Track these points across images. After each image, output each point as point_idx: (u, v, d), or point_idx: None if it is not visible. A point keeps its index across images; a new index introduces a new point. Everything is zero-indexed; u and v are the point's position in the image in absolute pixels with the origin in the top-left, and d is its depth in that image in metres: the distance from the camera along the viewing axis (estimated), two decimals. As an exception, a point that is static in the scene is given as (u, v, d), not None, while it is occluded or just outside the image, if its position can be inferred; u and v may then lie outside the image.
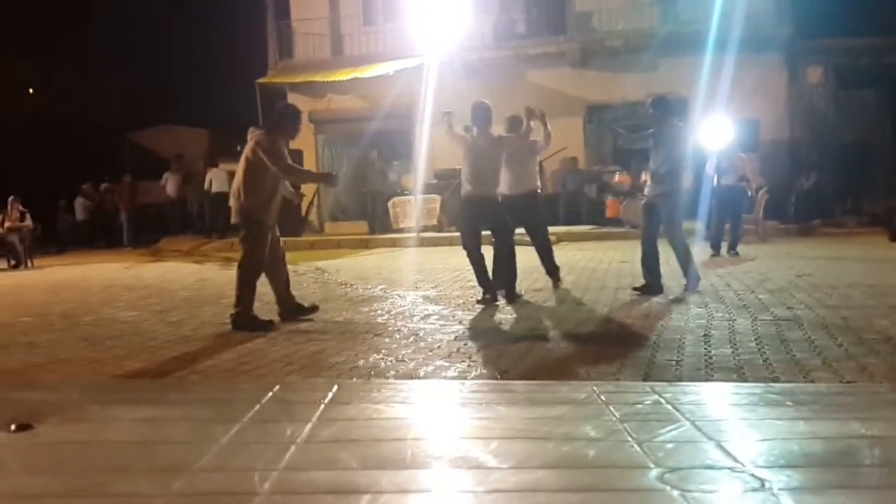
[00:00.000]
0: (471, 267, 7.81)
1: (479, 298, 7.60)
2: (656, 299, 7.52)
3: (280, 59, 20.43)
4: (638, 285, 7.95)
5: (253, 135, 6.97)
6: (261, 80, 18.84)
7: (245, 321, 6.58)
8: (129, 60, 24.98)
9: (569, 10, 18.82)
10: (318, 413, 3.17)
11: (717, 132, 9.36)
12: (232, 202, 6.92)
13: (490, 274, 7.82)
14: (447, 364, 4.94)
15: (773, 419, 2.96)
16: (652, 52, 17.83)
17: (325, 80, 18.81)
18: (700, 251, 9.68)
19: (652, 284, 7.83)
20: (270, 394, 3.47)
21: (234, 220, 6.92)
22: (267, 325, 6.61)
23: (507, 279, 7.77)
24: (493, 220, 7.85)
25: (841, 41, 18.04)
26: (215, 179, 18.62)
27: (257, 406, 3.29)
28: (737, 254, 11.64)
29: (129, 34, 24.88)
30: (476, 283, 7.91)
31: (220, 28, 23.83)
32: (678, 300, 7.41)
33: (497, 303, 7.50)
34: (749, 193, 12.40)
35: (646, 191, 8.22)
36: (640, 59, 18.02)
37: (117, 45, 24.74)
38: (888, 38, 17.76)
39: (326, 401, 3.35)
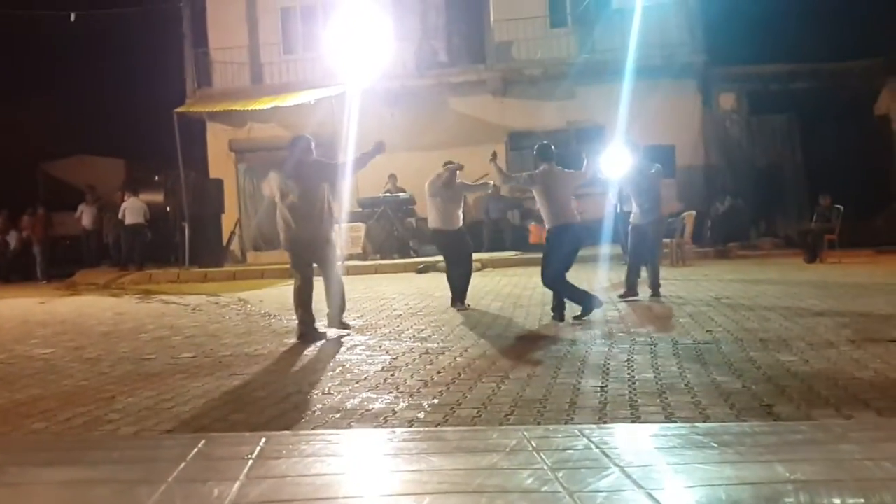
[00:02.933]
0: (566, 295, 8.16)
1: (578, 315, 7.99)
2: (581, 325, 7.65)
3: (198, 88, 20.18)
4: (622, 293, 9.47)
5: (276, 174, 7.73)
6: (179, 109, 18.52)
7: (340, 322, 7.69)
8: (42, 89, 24.32)
9: (488, 39, 19.09)
10: (245, 470, 3.10)
11: (619, 160, 9.76)
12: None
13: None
14: (374, 396, 4.94)
15: (700, 463, 3.02)
16: (570, 81, 18.25)
17: (245, 108, 18.65)
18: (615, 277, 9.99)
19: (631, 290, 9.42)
20: (196, 449, 3.38)
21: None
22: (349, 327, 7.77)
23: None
24: (578, 244, 8.37)
25: (752, 68, 18.72)
26: (130, 210, 18.21)
27: (183, 464, 3.20)
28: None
29: (42, 62, 24.24)
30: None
31: (136, 56, 23.40)
32: (602, 325, 7.54)
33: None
34: None
35: (634, 218, 9.84)
36: (559, 88, 18.41)
37: (29, 74, 24.08)
38: (796, 65, 18.49)
39: (254, 456, 3.28)
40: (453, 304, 9.36)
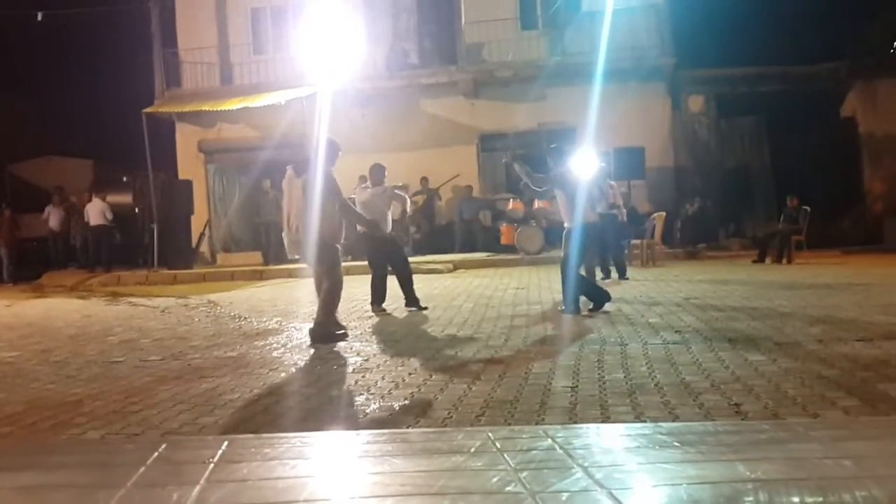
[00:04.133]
0: (583, 290, 8.55)
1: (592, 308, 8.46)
2: (552, 325, 7.67)
3: (167, 88, 20.03)
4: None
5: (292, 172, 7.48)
6: (147, 110, 18.37)
7: (323, 335, 7.18)
8: (9, 90, 24.01)
9: (460, 41, 19.11)
10: (206, 474, 3.06)
11: (585, 162, 9.88)
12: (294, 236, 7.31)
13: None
14: (345, 398, 4.96)
15: (663, 463, 3.02)
16: (541, 83, 18.30)
17: (215, 109, 18.52)
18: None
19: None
20: (156, 454, 3.34)
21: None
22: (343, 336, 7.31)
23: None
24: (594, 241, 9.11)
25: (720, 71, 18.90)
26: (91, 211, 18.06)
27: (142, 468, 3.16)
28: (627, 278, 11.93)
29: (8, 62, 23.92)
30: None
31: (105, 57, 23.18)
32: (572, 326, 7.57)
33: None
34: (620, 219, 12.71)
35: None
36: (530, 90, 18.47)
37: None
38: (763, 68, 18.69)
39: (216, 459, 3.24)
40: (373, 306, 9.36)
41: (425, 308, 9.32)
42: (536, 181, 8.87)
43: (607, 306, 8.57)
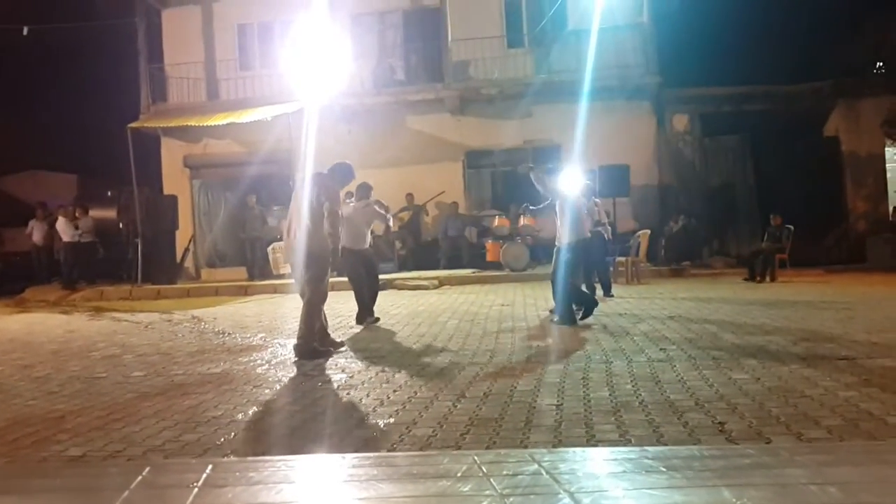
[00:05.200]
0: (579, 304, 9.01)
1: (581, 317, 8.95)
2: (537, 342, 7.67)
3: (153, 104, 19.98)
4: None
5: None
6: (133, 125, 18.30)
7: (307, 351, 7.19)
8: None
9: (446, 58, 19.16)
10: (190, 499, 3.04)
11: (571, 180, 9.94)
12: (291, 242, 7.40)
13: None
14: (330, 415, 4.94)
15: (648, 488, 3.02)
16: (527, 100, 18.38)
17: (201, 124, 18.45)
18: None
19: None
20: (140, 478, 3.31)
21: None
22: (326, 354, 7.28)
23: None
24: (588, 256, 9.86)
25: (704, 90, 19.01)
26: (59, 228, 17.96)
27: (126, 492, 3.13)
28: (612, 296, 11.96)
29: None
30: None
31: (90, 71, 23.12)
32: (558, 343, 7.58)
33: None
34: (607, 237, 12.73)
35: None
36: (516, 107, 18.54)
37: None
38: (747, 87, 18.83)
39: (200, 483, 3.22)
40: (360, 320, 9.62)
41: (378, 319, 9.69)
42: (552, 192, 9.09)
43: (590, 320, 8.89)
